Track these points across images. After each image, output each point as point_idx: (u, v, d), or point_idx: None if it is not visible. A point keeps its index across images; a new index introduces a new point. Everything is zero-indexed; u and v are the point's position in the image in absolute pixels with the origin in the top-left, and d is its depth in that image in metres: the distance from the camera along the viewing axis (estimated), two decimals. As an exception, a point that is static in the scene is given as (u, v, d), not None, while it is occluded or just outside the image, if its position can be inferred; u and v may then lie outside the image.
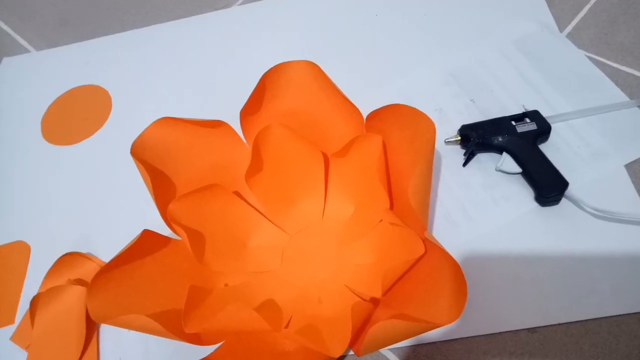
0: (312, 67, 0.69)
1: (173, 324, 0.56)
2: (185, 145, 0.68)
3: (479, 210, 0.70)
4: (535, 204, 0.69)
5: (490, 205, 0.71)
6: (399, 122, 0.63)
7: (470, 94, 0.82)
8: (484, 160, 0.74)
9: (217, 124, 0.69)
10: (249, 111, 0.69)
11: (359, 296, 0.63)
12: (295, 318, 0.63)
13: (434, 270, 0.56)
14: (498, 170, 0.72)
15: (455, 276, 0.52)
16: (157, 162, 0.65)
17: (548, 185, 0.68)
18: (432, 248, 0.56)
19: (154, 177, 0.63)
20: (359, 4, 0.98)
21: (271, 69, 0.68)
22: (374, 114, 0.66)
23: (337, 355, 0.54)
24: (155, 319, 0.53)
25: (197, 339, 0.58)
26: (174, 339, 0.55)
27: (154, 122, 0.66)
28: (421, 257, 0.57)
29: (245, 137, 0.72)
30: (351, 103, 0.66)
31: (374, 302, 0.61)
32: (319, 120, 0.71)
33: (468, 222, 0.70)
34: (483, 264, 0.66)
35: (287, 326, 0.62)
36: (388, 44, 0.91)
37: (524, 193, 0.71)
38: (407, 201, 0.57)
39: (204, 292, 0.63)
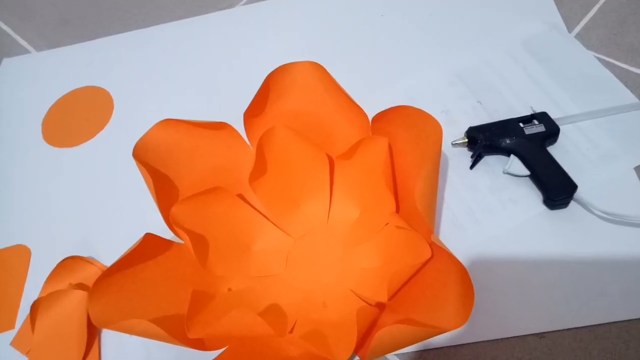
0: (317, 68, 0.69)
1: (176, 329, 0.56)
2: (188, 148, 0.68)
3: (486, 213, 0.70)
4: (544, 207, 0.69)
5: (498, 208, 0.71)
6: (404, 124, 0.63)
7: (477, 95, 0.82)
8: (492, 162, 0.74)
9: (220, 126, 0.69)
10: (252, 113, 0.69)
11: (364, 301, 0.63)
12: (300, 323, 0.63)
13: (441, 274, 0.56)
14: (506, 172, 0.72)
15: (462, 280, 0.52)
16: (160, 165, 0.66)
17: (556, 188, 0.68)
18: (438, 252, 0.56)
19: (156, 179, 0.63)
20: (364, 4, 0.98)
21: (275, 69, 0.69)
22: (380, 116, 0.66)
23: (343, 361, 0.54)
24: (157, 324, 0.53)
25: (200, 344, 0.59)
26: (176, 344, 0.55)
27: (157, 124, 0.66)
28: (427, 261, 0.57)
29: (249, 139, 0.72)
30: (356, 105, 0.66)
31: (380, 306, 0.61)
32: (323, 122, 0.71)
33: (475, 226, 0.70)
34: (490, 268, 0.66)
35: (291, 331, 0.63)
36: (394, 44, 0.92)
37: (532, 196, 0.71)
38: (413, 204, 0.57)
39: (207, 297, 0.63)
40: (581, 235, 0.67)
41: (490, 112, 0.79)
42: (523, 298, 0.63)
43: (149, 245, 0.63)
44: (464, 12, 0.93)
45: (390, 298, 0.59)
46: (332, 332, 0.60)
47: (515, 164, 0.71)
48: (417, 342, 0.54)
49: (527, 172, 0.70)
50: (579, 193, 0.68)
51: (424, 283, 0.58)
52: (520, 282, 0.64)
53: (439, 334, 0.52)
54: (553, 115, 0.74)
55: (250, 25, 1.01)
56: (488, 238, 0.68)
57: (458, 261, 0.53)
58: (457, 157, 0.76)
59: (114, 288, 0.58)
